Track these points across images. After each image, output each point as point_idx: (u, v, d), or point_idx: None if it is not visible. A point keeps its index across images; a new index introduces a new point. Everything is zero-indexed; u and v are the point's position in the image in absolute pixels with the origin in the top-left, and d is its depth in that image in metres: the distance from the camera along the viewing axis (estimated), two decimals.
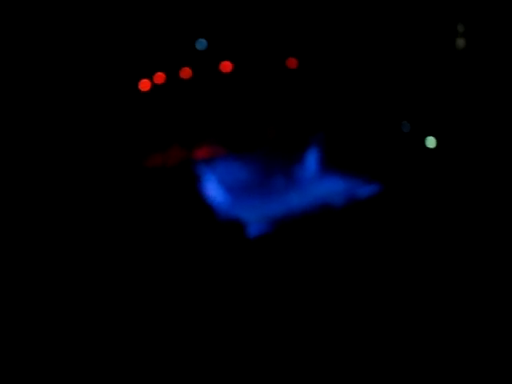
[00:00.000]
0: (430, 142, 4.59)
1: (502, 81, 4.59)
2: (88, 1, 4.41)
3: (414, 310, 3.40)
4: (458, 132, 4.58)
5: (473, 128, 4.56)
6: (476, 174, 4.40)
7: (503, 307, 3.33)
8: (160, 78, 4.58)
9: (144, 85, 4.56)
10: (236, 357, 3.16)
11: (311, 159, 4.70)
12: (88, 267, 3.75)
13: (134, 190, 4.31)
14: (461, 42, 4.65)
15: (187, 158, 4.60)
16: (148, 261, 3.83)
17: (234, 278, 3.74)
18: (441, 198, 4.27)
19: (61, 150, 4.30)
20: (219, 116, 4.73)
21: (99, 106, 4.46)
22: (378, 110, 4.74)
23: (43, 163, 4.22)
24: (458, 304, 3.40)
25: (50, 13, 4.33)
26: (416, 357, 3.07)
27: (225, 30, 4.67)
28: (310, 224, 4.19)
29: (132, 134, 4.54)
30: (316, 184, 4.60)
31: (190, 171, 4.48)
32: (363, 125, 4.73)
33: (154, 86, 4.59)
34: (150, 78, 4.57)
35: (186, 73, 4.63)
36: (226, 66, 4.68)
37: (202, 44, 4.65)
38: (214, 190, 4.44)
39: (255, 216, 4.22)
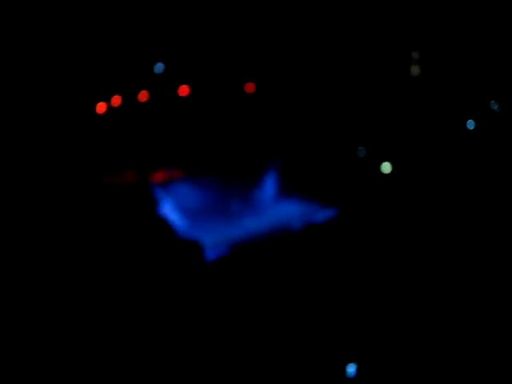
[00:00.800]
0: (385, 167, 4.64)
1: (456, 108, 4.68)
2: (44, 26, 4.39)
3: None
4: (412, 157, 4.65)
5: (427, 153, 4.63)
6: (431, 198, 4.46)
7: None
8: (117, 100, 4.57)
9: (100, 107, 4.54)
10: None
11: (268, 183, 4.71)
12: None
13: (90, 212, 4.26)
14: (415, 70, 4.73)
15: (143, 180, 4.57)
16: (102, 285, 3.78)
17: (192, 302, 3.71)
18: (395, 222, 4.31)
19: (17, 169, 4.24)
20: (176, 139, 4.72)
21: (55, 127, 4.42)
22: (334, 135, 4.78)
23: None
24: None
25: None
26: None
27: (183, 53, 4.68)
28: (268, 247, 4.19)
29: (88, 156, 4.51)
30: (273, 208, 4.61)
31: (146, 194, 4.45)
32: (320, 149, 4.77)
33: (111, 109, 4.57)
34: (107, 100, 4.55)
35: (143, 96, 4.62)
36: (184, 90, 4.68)
37: (159, 68, 4.65)
38: (170, 214, 4.41)
39: (212, 239, 4.20)
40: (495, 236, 4.04)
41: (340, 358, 3.23)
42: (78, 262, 3.92)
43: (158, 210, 4.39)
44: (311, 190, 4.63)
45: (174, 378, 3.15)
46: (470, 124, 4.63)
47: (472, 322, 3.30)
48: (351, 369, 3.15)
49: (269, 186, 4.71)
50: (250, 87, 4.77)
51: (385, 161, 4.63)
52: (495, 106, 4.64)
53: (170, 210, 4.42)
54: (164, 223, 4.33)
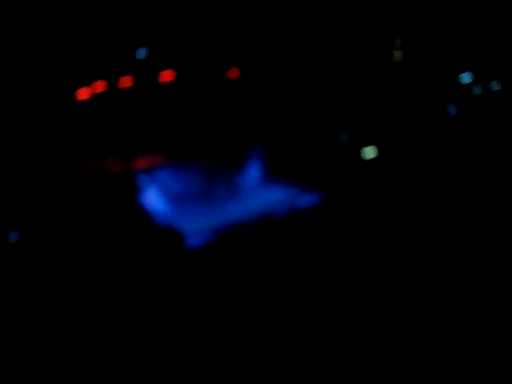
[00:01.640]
0: (369, 152, 4.66)
1: (440, 94, 4.71)
2: (28, 8, 4.34)
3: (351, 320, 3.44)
4: (396, 142, 4.67)
5: (411, 138, 4.65)
6: (414, 184, 4.48)
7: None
8: (100, 86, 4.54)
9: (83, 93, 4.50)
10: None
11: (252, 169, 4.72)
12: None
13: (72, 198, 4.25)
14: (398, 55, 4.74)
15: (126, 167, 4.55)
16: (84, 271, 3.78)
17: (174, 288, 3.72)
18: (380, 207, 4.33)
19: None
20: (159, 125, 4.70)
21: (37, 114, 4.39)
22: (316, 120, 4.79)
23: None
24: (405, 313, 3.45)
25: None
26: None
27: (166, 39, 4.65)
28: (252, 233, 4.20)
29: (70, 142, 4.48)
30: (257, 193, 4.62)
31: (129, 181, 4.43)
32: (303, 135, 4.78)
33: (94, 95, 4.53)
34: (90, 86, 4.51)
35: (126, 81, 4.60)
36: (167, 76, 4.66)
37: (142, 53, 4.62)
38: (154, 200, 4.41)
39: (196, 226, 4.21)
40: (480, 220, 4.07)
41: (330, 350, 3.24)
42: (61, 250, 3.91)
43: (140, 197, 4.38)
44: (295, 175, 4.64)
45: (160, 375, 3.15)
46: (452, 109, 4.67)
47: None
48: None
49: (252, 172, 4.72)
50: (233, 73, 4.76)
51: (368, 145, 4.65)
52: (477, 90, 4.68)
53: (153, 197, 4.41)
54: (147, 210, 4.32)
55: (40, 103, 4.39)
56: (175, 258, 4.00)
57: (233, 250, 4.06)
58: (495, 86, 4.73)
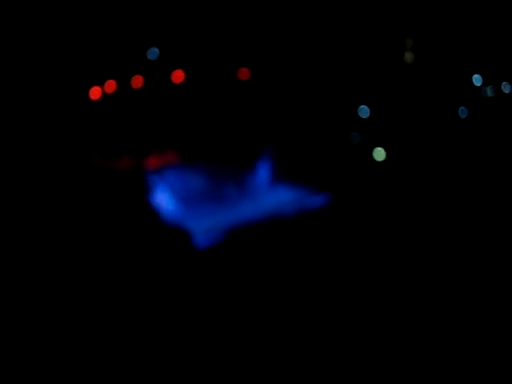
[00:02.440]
0: (379, 154, 4.65)
1: (451, 94, 4.69)
2: (37, 8, 4.37)
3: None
4: (407, 145, 4.66)
5: (422, 141, 4.64)
6: (425, 187, 4.48)
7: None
8: (111, 86, 4.56)
9: (94, 93, 4.53)
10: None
11: (262, 169, 4.72)
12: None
13: (82, 196, 4.28)
14: (409, 56, 4.73)
15: (138, 167, 4.58)
16: (93, 271, 3.80)
17: (183, 288, 3.73)
18: (390, 209, 4.33)
19: (9, 156, 4.25)
20: (170, 125, 4.72)
21: (48, 114, 4.42)
22: (327, 121, 4.79)
23: None
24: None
25: None
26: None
27: (177, 39, 4.67)
28: (261, 233, 4.21)
29: (81, 142, 4.51)
30: (267, 194, 4.63)
31: (140, 180, 4.46)
32: (313, 136, 4.78)
33: (105, 95, 4.56)
34: (101, 86, 4.54)
35: (137, 82, 4.62)
36: (178, 76, 4.68)
37: (153, 53, 4.64)
38: (164, 200, 4.43)
39: (206, 226, 4.23)
40: (494, 227, 4.07)
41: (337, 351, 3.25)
42: (70, 247, 3.94)
43: (151, 196, 4.41)
44: (304, 176, 4.65)
45: (166, 375, 3.17)
46: (463, 112, 4.65)
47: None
48: None
49: (262, 172, 4.73)
50: (244, 73, 4.77)
51: (378, 147, 4.65)
52: (489, 92, 4.66)
53: (163, 196, 4.44)
54: (157, 209, 4.35)
55: (52, 102, 4.43)
56: (184, 256, 4.03)
57: (241, 249, 4.08)
58: (507, 87, 4.71)
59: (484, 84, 4.70)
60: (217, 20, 4.69)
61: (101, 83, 4.55)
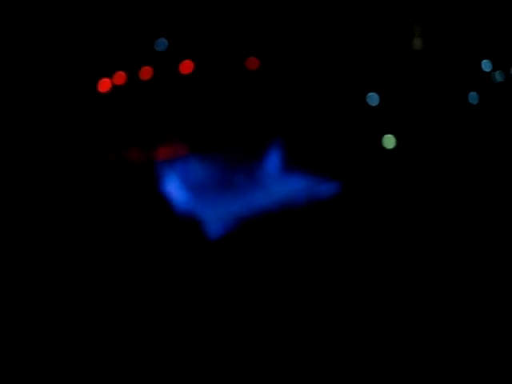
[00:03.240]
0: (388, 141, 4.65)
1: (460, 80, 4.68)
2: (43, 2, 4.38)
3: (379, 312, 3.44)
4: (417, 132, 4.65)
5: (432, 128, 4.63)
6: (436, 174, 4.47)
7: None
8: (120, 77, 4.57)
9: (103, 85, 4.54)
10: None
11: (272, 158, 4.73)
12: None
13: (93, 189, 4.29)
14: (418, 42, 4.72)
15: (147, 158, 4.59)
16: (104, 261, 3.82)
17: (196, 278, 3.75)
18: (401, 198, 4.33)
19: (18, 150, 4.26)
20: (179, 116, 4.72)
21: (57, 107, 4.43)
22: (336, 109, 4.78)
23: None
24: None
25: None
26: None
27: (185, 30, 4.67)
28: (273, 222, 4.22)
29: (91, 135, 4.52)
30: (277, 183, 4.63)
31: (150, 171, 4.47)
32: (323, 124, 4.77)
33: (114, 87, 4.57)
34: (110, 78, 4.55)
35: (146, 73, 4.62)
36: (187, 67, 4.68)
37: (162, 44, 4.64)
38: (175, 190, 4.44)
39: (217, 215, 4.24)
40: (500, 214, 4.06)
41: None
42: (79, 237, 3.95)
43: (162, 187, 4.42)
44: (315, 165, 4.64)
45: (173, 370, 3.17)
46: (473, 97, 4.64)
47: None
48: None
49: (273, 161, 4.73)
50: (253, 63, 4.77)
51: (388, 134, 4.64)
52: (498, 77, 4.65)
53: (174, 187, 4.44)
54: (168, 200, 4.36)
55: (61, 95, 4.44)
56: (197, 245, 4.04)
57: (253, 238, 4.09)
58: None
59: (493, 69, 4.69)
60: (225, 9, 4.69)
61: (109, 75, 4.56)
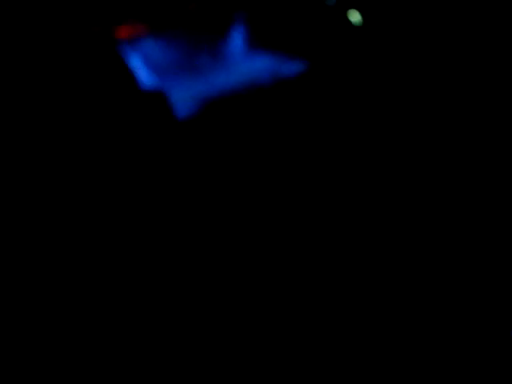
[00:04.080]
0: (354, 15, 4.56)
1: None
2: None
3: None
4: (384, 7, 4.56)
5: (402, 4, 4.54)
6: (407, 50, 4.42)
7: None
8: None
9: None
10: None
11: (236, 37, 4.62)
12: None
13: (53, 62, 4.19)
14: None
15: (109, 35, 4.46)
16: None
17: (167, 160, 3.74)
18: (368, 77, 4.30)
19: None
20: None
21: None
22: None
23: None
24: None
25: None
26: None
27: None
28: (238, 103, 4.18)
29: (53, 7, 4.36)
30: (242, 62, 4.55)
31: (111, 51, 4.35)
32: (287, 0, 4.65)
33: None
34: None
35: None
36: None
37: None
38: (138, 69, 4.34)
39: (182, 96, 4.18)
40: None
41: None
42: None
43: (125, 65, 4.31)
44: (280, 43, 4.56)
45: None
46: None
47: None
48: None
49: (237, 40, 4.63)
50: None
51: (354, 8, 4.54)
52: None
53: (137, 66, 4.34)
54: (132, 78, 4.27)
55: None
56: (165, 127, 4.00)
57: (220, 119, 4.06)
58: None
59: None
60: None
61: None
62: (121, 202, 3.49)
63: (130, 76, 4.27)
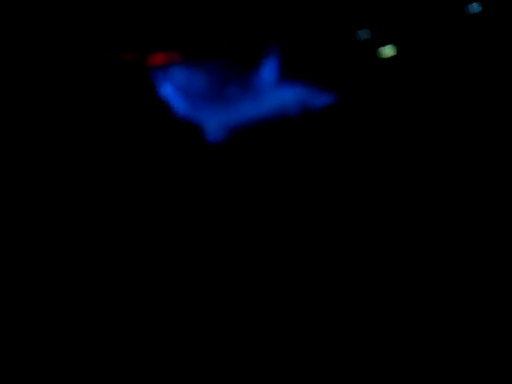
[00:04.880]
0: (386, 50, 4.59)
1: None
2: None
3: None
4: (417, 41, 4.58)
5: (434, 36, 4.56)
6: (436, 84, 4.43)
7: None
8: None
9: None
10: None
11: (267, 67, 4.68)
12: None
13: (86, 91, 4.26)
14: None
15: (140, 63, 4.54)
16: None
17: (196, 184, 3.77)
18: (398, 110, 4.31)
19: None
20: (174, 21, 4.64)
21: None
22: (333, 17, 4.70)
23: None
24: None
25: None
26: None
27: None
28: (266, 132, 4.22)
29: (85, 34, 4.45)
30: (272, 92, 4.60)
31: (144, 77, 4.43)
32: (319, 33, 4.70)
33: None
34: None
35: None
36: None
37: None
38: (170, 96, 4.41)
39: (212, 123, 4.24)
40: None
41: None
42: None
43: (157, 92, 4.38)
44: (310, 74, 4.60)
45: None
46: (472, 7, 4.55)
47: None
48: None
49: (267, 71, 4.68)
50: None
51: (386, 44, 4.58)
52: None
53: (169, 93, 4.41)
54: (164, 104, 4.33)
55: None
56: (195, 152, 4.04)
57: (248, 147, 4.09)
58: None
59: None
60: None
61: None
62: (148, 224, 3.52)
63: (162, 103, 4.34)
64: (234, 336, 3.14)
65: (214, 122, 4.23)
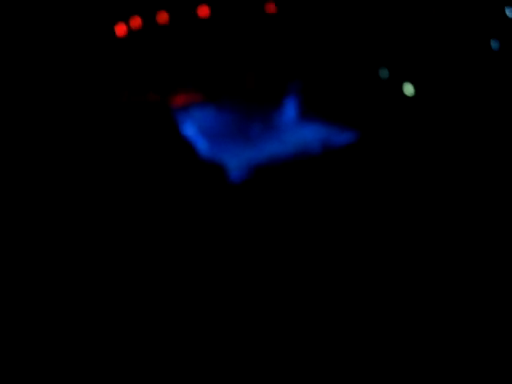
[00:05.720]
0: (408, 89, 4.59)
1: (483, 25, 4.58)
2: None
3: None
4: (437, 79, 4.58)
5: (454, 76, 4.56)
6: (457, 122, 4.42)
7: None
8: (136, 22, 4.52)
9: (120, 29, 4.49)
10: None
11: (289, 106, 4.69)
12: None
13: (110, 133, 4.29)
14: None
15: (164, 104, 4.57)
16: (126, 209, 3.84)
17: (218, 223, 3.77)
18: (420, 146, 4.29)
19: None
20: (196, 62, 4.68)
21: (72, 51, 4.40)
22: (355, 56, 4.71)
23: None
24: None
25: None
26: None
27: None
28: (288, 170, 4.21)
29: (107, 79, 4.50)
30: (294, 131, 4.60)
31: (167, 118, 4.45)
32: (341, 72, 4.71)
33: (131, 31, 4.53)
34: (126, 22, 4.50)
35: (162, 17, 4.57)
36: (204, 11, 4.61)
37: None
38: (192, 136, 4.43)
39: (234, 162, 4.24)
40: None
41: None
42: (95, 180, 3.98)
43: (179, 132, 4.40)
44: (332, 113, 4.60)
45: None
46: (495, 44, 4.54)
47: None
48: None
49: (289, 109, 4.69)
50: (270, 7, 4.69)
51: (407, 82, 4.58)
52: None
53: (191, 133, 4.43)
54: (187, 145, 4.35)
55: (77, 40, 4.40)
56: (217, 191, 4.05)
57: (271, 185, 4.09)
58: None
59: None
60: None
61: (126, 19, 4.51)
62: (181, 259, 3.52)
63: (185, 143, 4.36)
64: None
65: (237, 161, 4.24)
